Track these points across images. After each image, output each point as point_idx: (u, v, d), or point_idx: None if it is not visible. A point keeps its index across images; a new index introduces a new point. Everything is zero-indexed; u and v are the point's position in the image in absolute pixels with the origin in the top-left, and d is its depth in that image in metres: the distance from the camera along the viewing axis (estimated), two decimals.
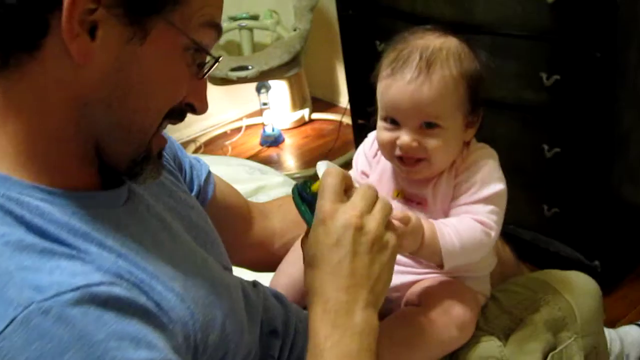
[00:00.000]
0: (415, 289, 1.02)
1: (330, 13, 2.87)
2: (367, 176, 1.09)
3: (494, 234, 0.99)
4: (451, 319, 0.98)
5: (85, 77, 0.66)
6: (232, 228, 1.09)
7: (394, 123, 0.99)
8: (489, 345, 1.01)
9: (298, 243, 1.10)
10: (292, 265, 1.09)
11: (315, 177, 0.85)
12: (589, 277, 1.15)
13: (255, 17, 2.90)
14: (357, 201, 0.81)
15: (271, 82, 3.14)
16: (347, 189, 0.83)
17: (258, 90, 3.15)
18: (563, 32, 1.79)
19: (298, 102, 3.36)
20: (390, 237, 0.80)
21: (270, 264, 1.14)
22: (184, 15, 0.68)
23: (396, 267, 1.04)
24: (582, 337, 1.07)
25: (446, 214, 1.01)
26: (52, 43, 0.65)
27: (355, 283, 0.77)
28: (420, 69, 0.96)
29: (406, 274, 1.04)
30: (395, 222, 0.87)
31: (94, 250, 0.66)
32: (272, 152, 3.23)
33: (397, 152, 0.99)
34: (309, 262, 0.80)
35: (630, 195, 2.02)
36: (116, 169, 0.74)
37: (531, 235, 2.08)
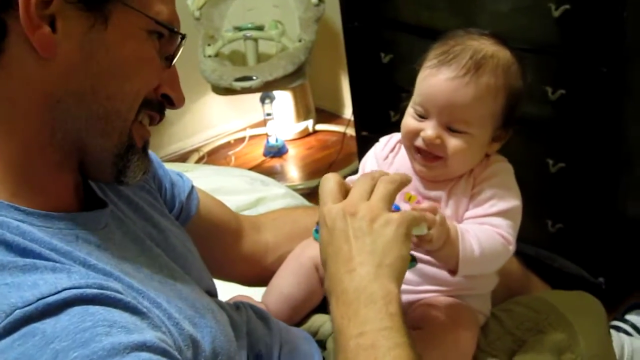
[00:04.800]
0: (414, 311, 1.00)
1: (336, 24, 2.86)
2: None
3: (512, 248, 0.98)
4: (451, 341, 0.96)
5: (53, 72, 0.65)
6: (220, 243, 1.08)
7: (423, 114, 0.98)
8: None
9: (288, 259, 1.09)
10: (284, 280, 1.08)
11: None
12: (593, 297, 1.13)
13: (260, 28, 2.89)
14: (351, 194, 0.80)
15: (275, 93, 3.12)
16: (347, 194, 0.82)
17: (262, 100, 3.14)
18: (569, 46, 1.77)
19: (302, 113, 3.34)
20: (392, 215, 0.78)
21: (262, 278, 1.12)
22: None
23: None
24: (588, 358, 1.04)
25: (458, 222, 0.99)
26: (13, 44, 0.64)
27: (358, 263, 0.74)
28: (468, 69, 0.94)
29: (404, 294, 1.02)
30: (425, 213, 0.85)
31: (79, 268, 0.64)
32: (275, 162, 3.21)
33: (419, 142, 0.98)
34: (323, 268, 0.79)
35: (635, 212, 1.99)
36: (102, 174, 0.72)
37: (535, 250, 2.06)
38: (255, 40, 2.90)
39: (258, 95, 3.09)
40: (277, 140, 3.22)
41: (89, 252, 0.67)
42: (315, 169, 3.05)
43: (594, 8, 1.69)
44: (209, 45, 2.88)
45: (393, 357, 0.68)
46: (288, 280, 1.08)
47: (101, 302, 0.60)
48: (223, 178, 1.77)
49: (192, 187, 1.04)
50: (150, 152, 0.98)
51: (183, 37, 0.74)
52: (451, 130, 0.96)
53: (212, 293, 0.94)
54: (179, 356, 0.63)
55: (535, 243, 2.05)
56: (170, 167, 1.91)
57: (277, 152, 3.22)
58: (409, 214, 0.80)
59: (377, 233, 0.76)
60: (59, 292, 0.58)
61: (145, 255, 0.77)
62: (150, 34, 0.70)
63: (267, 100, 3.13)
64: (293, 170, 3.16)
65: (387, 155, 1.08)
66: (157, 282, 0.74)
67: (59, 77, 0.66)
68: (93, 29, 0.66)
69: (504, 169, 1.02)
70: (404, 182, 0.83)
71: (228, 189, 1.70)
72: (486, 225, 0.97)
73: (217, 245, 1.07)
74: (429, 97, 0.96)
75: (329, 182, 0.82)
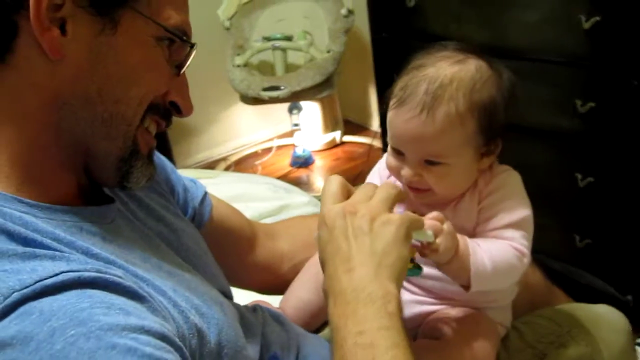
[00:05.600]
0: (432, 320, 0.98)
1: (365, 35, 2.86)
2: None
3: (526, 260, 0.95)
4: (470, 353, 0.94)
5: (61, 74, 0.66)
6: (233, 250, 1.07)
7: (400, 153, 0.96)
8: None
9: (307, 265, 1.08)
10: (302, 287, 1.06)
11: None
12: (618, 312, 1.11)
13: (289, 38, 2.90)
14: (353, 196, 0.80)
15: (303, 104, 3.13)
16: (350, 195, 0.82)
17: (290, 111, 3.15)
18: (599, 58, 1.75)
19: (330, 124, 3.34)
20: (393, 215, 0.77)
21: (278, 286, 1.11)
22: (152, 3, 0.69)
23: (411, 298, 1.01)
24: None
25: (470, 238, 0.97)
26: (24, 45, 0.65)
27: (357, 263, 0.73)
28: (424, 106, 0.90)
29: (423, 305, 1.00)
30: (431, 221, 0.84)
31: (80, 256, 0.64)
32: (301, 173, 3.21)
33: (402, 179, 0.97)
34: (322, 268, 0.78)
35: None
36: (106, 177, 0.73)
37: (562, 266, 2.02)
38: (284, 50, 2.91)
39: (286, 105, 3.11)
40: (304, 151, 3.22)
41: (93, 242, 0.67)
42: None
43: (625, 20, 1.66)
44: (238, 55, 2.90)
45: (391, 357, 0.67)
46: (306, 287, 1.07)
47: (99, 286, 0.60)
48: (247, 185, 1.77)
49: (206, 193, 1.03)
50: (163, 157, 0.99)
51: (192, 45, 0.74)
52: (428, 162, 0.93)
53: (227, 295, 0.93)
54: (179, 342, 0.63)
55: (562, 258, 2.02)
56: (195, 173, 1.93)
57: (304, 162, 3.22)
58: (410, 215, 0.79)
59: (377, 233, 0.75)
60: (57, 274, 0.58)
61: (153, 250, 0.77)
62: (159, 41, 0.70)
63: (294, 111, 3.14)
64: (319, 181, 3.16)
65: (390, 174, 1.07)
66: (165, 272, 0.74)
67: (66, 79, 0.66)
68: (102, 33, 0.66)
69: (510, 179, 0.99)
70: (404, 193, 0.83)
71: (251, 196, 1.70)
72: (498, 239, 0.95)
73: (231, 252, 1.06)
74: (397, 138, 0.94)
75: (331, 183, 0.82)
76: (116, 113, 0.69)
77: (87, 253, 0.65)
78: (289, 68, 2.96)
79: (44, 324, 0.55)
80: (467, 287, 0.92)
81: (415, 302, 1.01)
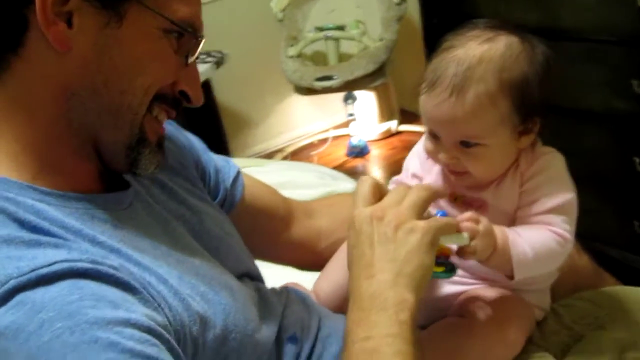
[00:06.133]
0: (464, 298, 0.97)
1: (416, 22, 2.83)
2: (420, 179, 1.04)
3: (569, 245, 0.93)
4: (499, 335, 0.92)
5: (68, 66, 0.69)
6: (267, 228, 1.08)
7: (436, 136, 0.94)
8: None
9: (342, 248, 1.08)
10: (335, 270, 1.06)
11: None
12: None
13: (341, 28, 2.91)
14: (384, 199, 0.80)
15: (358, 94, 3.13)
16: (383, 196, 0.82)
17: (345, 101, 3.15)
18: None
19: (385, 113, 3.33)
20: (419, 222, 0.77)
21: (315, 263, 1.11)
22: None
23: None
24: None
25: (510, 221, 0.95)
26: (34, 38, 0.68)
27: (378, 269, 0.74)
28: (453, 88, 0.88)
29: (458, 284, 0.99)
30: (466, 223, 0.83)
31: (85, 245, 0.67)
32: (357, 162, 3.21)
33: (440, 163, 0.96)
34: (348, 270, 0.79)
35: None
36: (116, 164, 0.75)
37: (619, 253, 1.96)
38: (337, 40, 2.92)
39: (341, 96, 3.11)
40: (359, 141, 3.22)
41: (102, 230, 0.70)
42: (397, 170, 2.98)
43: None
44: (291, 46, 2.92)
45: None
46: (339, 269, 1.07)
47: (92, 277, 0.62)
48: (294, 172, 1.79)
49: (238, 172, 1.05)
50: (194, 138, 1.01)
51: (198, 37, 0.75)
52: (464, 144, 0.91)
53: (253, 275, 0.95)
54: (167, 335, 0.65)
55: (620, 245, 1.95)
56: (244, 162, 1.95)
57: (360, 152, 3.22)
58: (437, 222, 0.78)
59: (401, 240, 0.75)
60: (51, 264, 0.61)
61: (168, 235, 0.79)
62: (166, 33, 0.72)
63: (349, 101, 3.14)
64: (375, 171, 3.15)
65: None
66: (174, 259, 0.76)
67: (74, 70, 0.69)
68: (108, 26, 0.68)
69: (553, 161, 0.96)
70: (439, 193, 0.82)
71: (298, 183, 1.71)
72: (539, 224, 0.93)
73: (265, 231, 1.08)
74: (430, 122, 0.93)
75: (364, 185, 0.82)
76: (122, 103, 0.71)
77: (92, 241, 0.68)
78: (342, 58, 2.96)
79: (35, 315, 0.58)
80: (510, 277, 0.91)
81: (450, 282, 1.00)
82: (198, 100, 0.77)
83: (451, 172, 0.96)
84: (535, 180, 0.94)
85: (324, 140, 3.39)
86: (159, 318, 0.66)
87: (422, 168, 1.05)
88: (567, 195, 0.93)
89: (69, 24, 0.67)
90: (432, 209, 0.87)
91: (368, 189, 0.81)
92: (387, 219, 0.76)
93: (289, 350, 0.87)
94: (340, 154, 3.28)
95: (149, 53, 0.71)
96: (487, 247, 0.86)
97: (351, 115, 3.17)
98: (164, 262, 0.73)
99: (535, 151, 0.97)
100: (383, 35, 2.83)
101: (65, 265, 0.61)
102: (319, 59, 3.02)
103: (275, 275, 1.20)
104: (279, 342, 0.87)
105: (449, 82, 0.88)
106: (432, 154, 0.96)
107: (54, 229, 0.66)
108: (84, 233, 0.68)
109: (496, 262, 0.89)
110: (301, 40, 2.93)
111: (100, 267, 0.63)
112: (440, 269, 0.85)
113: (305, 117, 3.46)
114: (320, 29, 2.92)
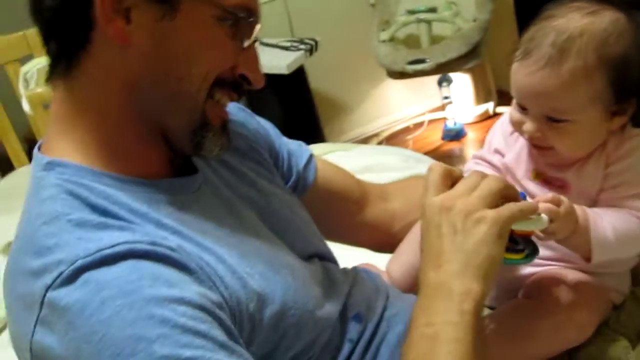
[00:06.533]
0: (535, 279, 0.95)
1: (512, 1, 2.76)
2: (502, 155, 1.03)
3: None
4: (569, 318, 0.90)
5: (129, 60, 0.73)
6: (341, 210, 1.10)
7: (523, 107, 0.92)
8: (615, 346, 0.91)
9: (414, 228, 1.08)
10: (407, 251, 1.07)
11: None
12: None
13: (433, 10, 2.87)
14: (455, 187, 0.79)
15: (454, 76, 3.08)
16: (455, 182, 0.81)
17: (439, 84, 3.12)
18: None
19: (482, 95, 3.26)
20: (488, 212, 0.76)
21: (390, 245, 1.12)
22: None
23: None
24: None
25: (591, 202, 0.93)
26: (98, 35, 0.72)
27: (445, 260, 0.75)
28: (549, 59, 0.86)
29: (528, 266, 0.97)
30: (545, 205, 0.82)
31: (149, 227, 0.72)
32: (453, 146, 3.17)
33: (525, 135, 0.94)
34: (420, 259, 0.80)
35: None
36: (182, 148, 0.79)
37: None
38: (429, 22, 2.88)
39: (436, 79, 3.07)
40: (455, 124, 3.18)
41: (167, 212, 0.74)
42: None
43: None
44: (383, 30, 2.91)
45: (449, 351, 0.69)
46: (411, 250, 1.07)
47: (150, 258, 0.67)
48: (377, 156, 1.80)
49: (311, 156, 1.07)
50: (267, 124, 1.04)
51: (252, 21, 0.77)
52: (551, 119, 0.89)
53: (323, 256, 0.97)
54: (219, 312, 0.68)
55: None
56: (330, 147, 1.97)
57: (455, 135, 3.18)
58: (509, 211, 0.76)
59: (469, 231, 0.75)
60: (114, 245, 0.66)
61: (233, 216, 0.83)
62: (220, 20, 0.74)
63: (444, 84, 3.10)
64: (472, 154, 3.09)
65: (513, 131, 1.03)
66: (237, 240, 0.79)
67: (135, 63, 0.73)
68: (164, 18, 0.71)
69: None
70: (513, 187, 0.80)
71: (381, 167, 1.72)
72: (623, 208, 0.89)
73: (339, 213, 1.09)
74: (519, 92, 0.91)
75: (433, 173, 0.81)
76: (181, 90, 0.75)
77: (157, 223, 0.72)
78: (435, 40, 2.92)
79: (98, 293, 0.63)
80: (588, 259, 0.89)
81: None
82: (258, 82, 0.80)
83: (535, 146, 0.94)
84: (622, 163, 0.91)
85: (420, 124, 3.37)
86: (214, 296, 0.69)
87: (505, 144, 1.03)
88: None
89: (128, 19, 0.71)
90: None
91: (438, 178, 0.80)
92: (455, 209, 0.76)
93: (353, 328, 0.89)
94: (436, 137, 3.25)
95: (204, 41, 0.74)
96: (567, 229, 0.84)
97: (446, 98, 3.13)
98: (226, 243, 0.77)
99: (625, 133, 0.93)
100: (476, 16, 2.77)
101: (127, 246, 0.66)
102: (411, 42, 3.00)
103: (351, 256, 1.22)
104: (343, 319, 0.89)
105: (545, 52, 0.86)
106: (516, 126, 0.94)
107: (122, 212, 0.71)
108: (150, 216, 0.72)
109: (575, 242, 0.87)
110: (393, 24, 2.91)
111: (158, 249, 0.68)
112: (519, 256, 0.83)
113: (401, 101, 3.45)
114: (412, 12, 2.89)
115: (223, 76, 0.77)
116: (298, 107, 2.93)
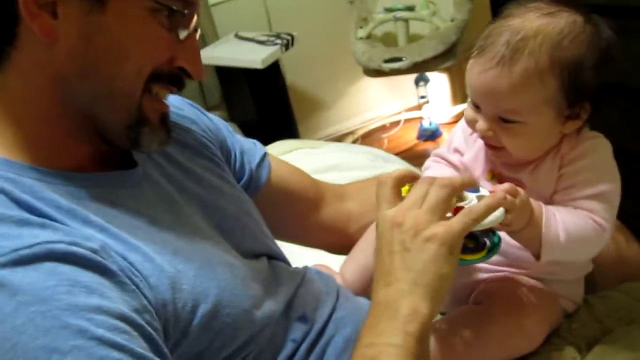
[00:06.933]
0: (485, 285, 0.94)
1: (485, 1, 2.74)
2: (461, 154, 1.02)
3: (606, 235, 0.88)
4: (519, 326, 0.89)
5: (57, 55, 0.70)
6: (295, 210, 1.08)
7: (477, 105, 0.91)
8: (563, 355, 0.90)
9: (368, 230, 1.06)
10: (362, 252, 1.05)
11: None
12: None
13: (411, 8, 2.85)
14: (406, 199, 0.78)
15: (431, 76, 3.07)
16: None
17: (416, 83, 3.10)
18: None
19: (459, 95, 3.25)
20: (437, 228, 0.75)
21: (345, 246, 1.10)
22: None
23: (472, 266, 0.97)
24: None
25: (546, 204, 0.91)
26: (24, 30, 0.69)
27: (395, 278, 0.74)
28: (501, 58, 0.84)
29: (482, 272, 0.96)
30: (500, 195, 0.80)
31: (75, 225, 0.69)
32: (428, 146, 3.16)
33: (477, 133, 0.92)
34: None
35: None
36: (118, 143, 0.77)
37: None
38: (406, 21, 2.87)
39: (413, 78, 3.06)
40: (430, 124, 3.16)
41: (97, 208, 0.72)
42: None
43: None
44: (360, 27, 2.89)
45: None
46: (365, 252, 1.06)
47: (70, 261, 0.64)
48: (345, 155, 1.77)
49: (265, 155, 1.05)
50: (218, 120, 1.01)
51: (189, 13, 0.74)
52: (502, 119, 0.87)
53: (272, 255, 0.95)
54: (140, 320, 0.66)
55: None
56: (299, 143, 1.95)
57: (431, 135, 3.17)
58: (459, 224, 0.75)
59: (418, 249, 0.74)
60: (32, 245, 0.63)
61: (173, 214, 0.81)
62: (153, 12, 0.72)
63: (421, 83, 3.09)
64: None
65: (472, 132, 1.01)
66: (173, 236, 0.77)
67: (63, 58, 0.70)
68: (91, 13, 0.69)
69: (597, 147, 0.91)
70: (464, 184, 0.79)
71: (348, 165, 1.70)
72: (578, 209, 0.88)
73: (292, 213, 1.08)
74: (472, 90, 0.89)
75: (384, 187, 0.80)
76: (114, 88, 0.72)
77: (84, 220, 0.70)
78: (413, 39, 2.91)
79: (12, 297, 0.60)
80: (537, 256, 0.88)
81: (473, 269, 0.96)
82: (198, 75, 0.77)
83: (488, 145, 0.93)
84: (577, 165, 0.90)
85: (396, 123, 3.35)
86: (135, 302, 0.67)
87: (465, 142, 1.02)
88: (609, 184, 0.89)
89: (55, 14, 0.68)
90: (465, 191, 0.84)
91: (389, 191, 0.80)
92: (406, 226, 0.75)
93: (297, 328, 0.87)
94: (411, 137, 3.24)
95: (136, 35, 0.71)
96: (522, 219, 0.83)
97: (423, 97, 3.11)
98: (159, 239, 0.75)
99: (580, 135, 0.92)
100: (454, 16, 2.75)
101: (45, 247, 0.63)
102: (389, 40, 2.98)
103: (308, 256, 1.20)
104: (287, 319, 0.87)
105: (498, 50, 0.85)
106: (470, 124, 0.93)
107: (47, 208, 0.68)
108: (76, 212, 0.70)
109: (527, 235, 0.86)
110: (370, 22, 2.89)
111: (78, 250, 0.65)
112: (480, 255, 0.82)
113: (377, 100, 3.43)
114: (390, 10, 2.87)
115: (160, 69, 0.74)
116: (273, 102, 2.90)
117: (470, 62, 0.90)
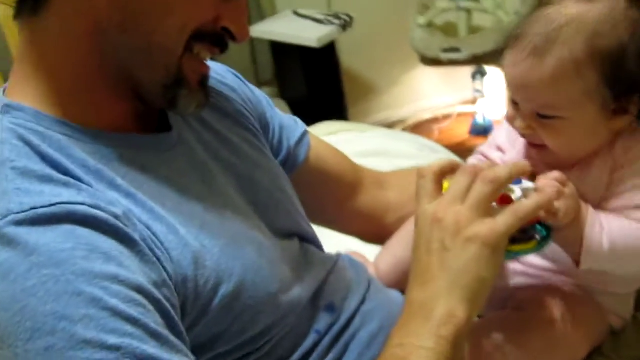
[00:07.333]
0: (529, 291, 0.88)
1: None
2: (503, 152, 0.96)
3: None
4: (563, 336, 0.83)
5: (98, 2, 0.66)
6: (331, 193, 1.03)
7: (515, 101, 0.85)
8: None
9: (409, 221, 1.01)
10: (399, 244, 1.00)
11: None
12: None
13: None
14: (447, 192, 0.74)
15: (489, 70, 2.99)
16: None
17: (473, 77, 3.02)
18: None
19: None
20: (480, 227, 0.70)
21: (381, 237, 1.05)
22: None
23: (519, 267, 0.92)
24: None
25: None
26: None
27: (431, 277, 0.70)
28: (533, 49, 0.78)
29: (526, 276, 0.91)
30: (550, 182, 0.76)
31: (100, 187, 0.66)
32: (479, 142, 3.07)
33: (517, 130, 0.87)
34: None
35: None
36: (154, 103, 0.73)
37: None
38: (469, 11, 2.79)
39: (470, 70, 2.98)
40: (484, 119, 3.08)
41: (125, 172, 0.69)
42: None
43: None
44: (421, 14, 2.83)
45: None
46: (404, 244, 1.01)
47: (90, 225, 0.61)
48: (391, 141, 1.73)
49: (305, 132, 1.01)
50: (259, 92, 0.98)
51: None
52: (541, 116, 0.81)
53: (304, 237, 0.91)
54: (158, 294, 0.62)
55: None
56: (346, 125, 1.91)
57: (483, 131, 3.08)
58: (504, 225, 0.70)
59: (458, 249, 0.70)
60: (52, 205, 0.60)
61: (205, 184, 0.77)
62: None
63: (478, 76, 3.01)
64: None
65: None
66: (202, 208, 0.73)
67: (101, 9, 0.67)
68: None
69: None
70: (510, 178, 0.73)
71: (393, 152, 1.65)
72: (630, 219, 0.82)
73: (328, 196, 1.03)
74: (508, 84, 0.84)
75: (425, 180, 0.76)
76: (154, 43, 0.69)
77: (110, 183, 0.66)
78: (474, 30, 2.83)
79: (27, 257, 0.57)
80: (577, 262, 0.82)
81: (513, 273, 0.91)
82: (242, 36, 0.73)
83: (530, 144, 0.87)
84: (631, 169, 0.83)
85: (448, 116, 3.28)
86: (154, 274, 0.63)
87: (507, 140, 0.96)
88: None
89: None
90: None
91: (430, 184, 0.75)
92: (446, 223, 0.71)
93: (323, 318, 0.83)
94: (463, 131, 3.16)
95: None
96: (570, 210, 0.77)
97: (478, 91, 3.03)
98: (187, 212, 0.71)
99: (637, 135, 0.84)
100: (519, 10, 2.66)
101: (66, 208, 0.60)
102: (449, 30, 2.91)
103: (342, 243, 1.16)
104: (314, 307, 0.83)
105: (530, 40, 0.79)
106: (510, 120, 0.87)
107: (73, 167, 0.65)
108: (103, 174, 0.67)
109: (569, 235, 0.79)
110: (432, 9, 2.82)
111: (100, 215, 0.62)
112: (530, 245, 0.76)
113: (431, 90, 3.35)
114: None
115: (204, 28, 0.70)
116: (325, 83, 2.86)
117: (505, 54, 0.84)
